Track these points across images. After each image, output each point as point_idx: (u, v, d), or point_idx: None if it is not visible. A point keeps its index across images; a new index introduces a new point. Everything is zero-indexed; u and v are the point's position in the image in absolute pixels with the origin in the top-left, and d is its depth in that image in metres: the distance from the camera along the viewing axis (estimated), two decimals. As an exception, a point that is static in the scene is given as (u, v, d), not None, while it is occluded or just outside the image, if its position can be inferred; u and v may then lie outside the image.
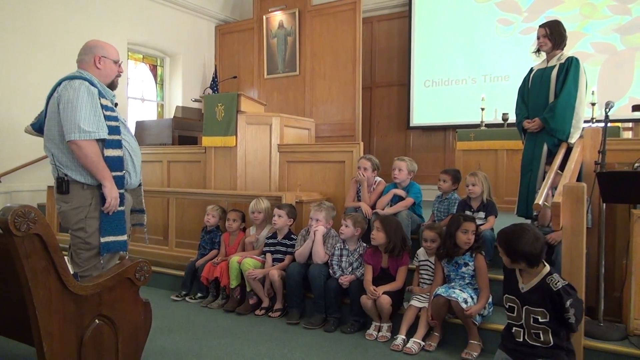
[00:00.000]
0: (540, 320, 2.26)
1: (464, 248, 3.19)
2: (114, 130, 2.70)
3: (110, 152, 2.66)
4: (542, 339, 2.26)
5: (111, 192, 2.62)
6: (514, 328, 2.37)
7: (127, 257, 2.79)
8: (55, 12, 6.57)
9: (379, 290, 3.33)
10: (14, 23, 6.14)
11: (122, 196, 2.71)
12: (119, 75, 2.87)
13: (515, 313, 2.37)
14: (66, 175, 2.63)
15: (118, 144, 2.71)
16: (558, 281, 2.24)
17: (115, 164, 2.68)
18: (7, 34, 6.07)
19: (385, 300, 3.31)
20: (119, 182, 2.69)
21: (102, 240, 2.62)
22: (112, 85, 2.85)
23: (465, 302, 3.01)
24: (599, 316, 2.97)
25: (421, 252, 3.52)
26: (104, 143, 2.66)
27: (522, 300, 2.34)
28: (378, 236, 3.46)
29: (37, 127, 2.87)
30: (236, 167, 4.86)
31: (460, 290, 3.09)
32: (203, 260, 4.33)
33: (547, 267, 2.32)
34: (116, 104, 2.83)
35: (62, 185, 2.63)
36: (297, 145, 5.07)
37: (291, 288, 3.74)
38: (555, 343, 2.24)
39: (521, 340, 2.33)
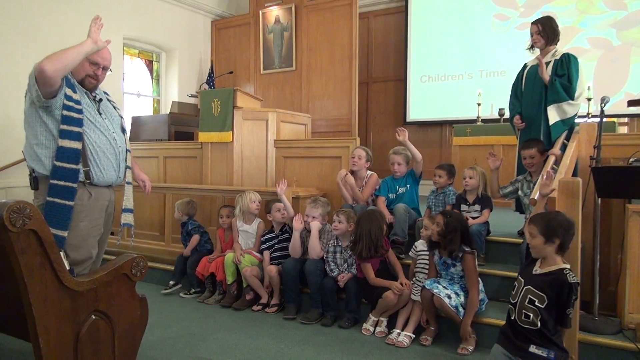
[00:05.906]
0: (535, 303, 2.31)
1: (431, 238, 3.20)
2: (72, 121, 2.52)
3: (65, 143, 2.49)
4: (530, 320, 2.32)
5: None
6: (509, 306, 2.45)
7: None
8: (49, 7, 6.53)
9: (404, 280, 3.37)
10: (7, 18, 6.10)
11: (73, 191, 2.51)
12: (93, 77, 2.68)
13: (514, 291, 2.44)
14: (34, 170, 2.54)
15: (77, 136, 2.53)
16: (574, 276, 2.31)
17: (70, 155, 2.51)
18: (1, 30, 6.03)
19: (409, 288, 3.36)
20: (73, 175, 2.51)
21: None
22: (83, 85, 2.67)
23: (449, 297, 3.03)
24: (594, 310, 2.99)
25: (419, 243, 3.53)
26: (59, 133, 2.50)
27: (527, 280, 2.39)
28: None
29: None
30: (232, 163, 4.86)
31: (444, 286, 3.10)
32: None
33: (568, 265, 2.37)
34: (100, 100, 2.73)
35: (32, 181, 2.55)
36: (294, 141, 5.06)
37: (287, 283, 3.74)
38: (540, 329, 2.29)
39: (513, 318, 2.39)
